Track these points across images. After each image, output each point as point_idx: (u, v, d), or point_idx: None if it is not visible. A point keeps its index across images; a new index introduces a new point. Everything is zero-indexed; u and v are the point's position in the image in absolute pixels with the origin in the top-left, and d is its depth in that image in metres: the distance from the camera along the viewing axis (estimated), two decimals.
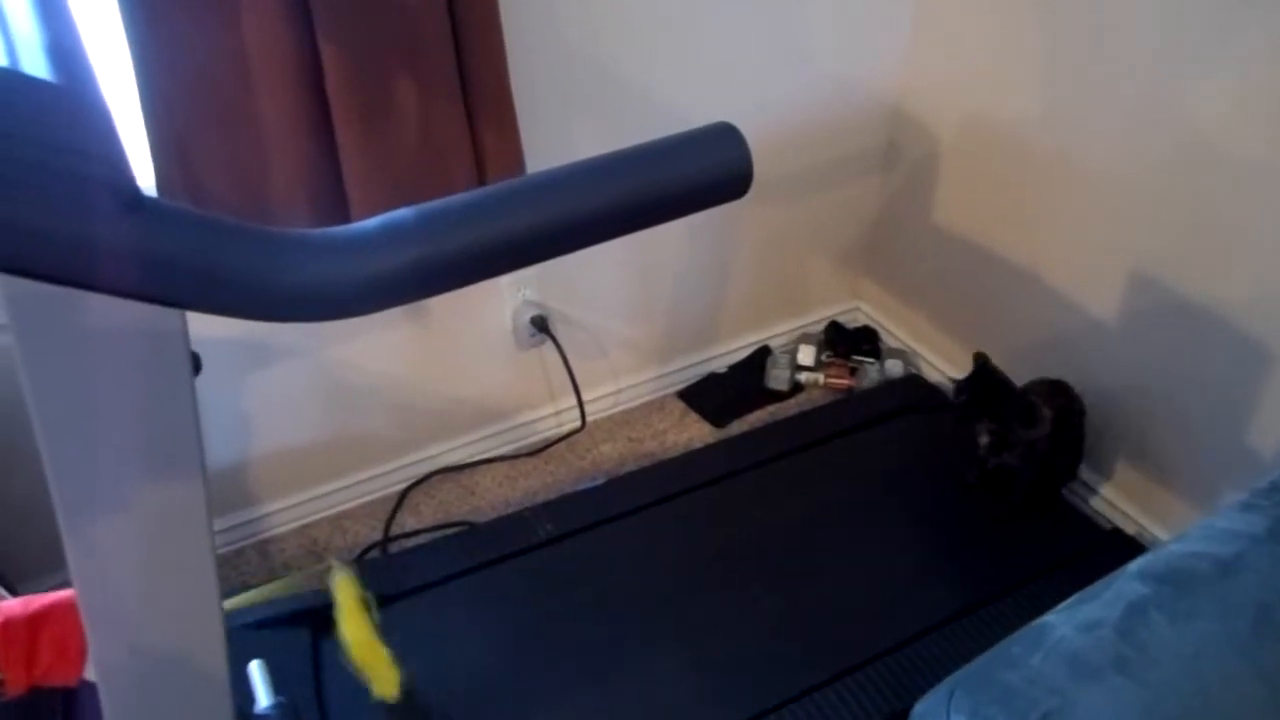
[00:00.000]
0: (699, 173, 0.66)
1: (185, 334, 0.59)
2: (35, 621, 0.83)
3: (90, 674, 0.84)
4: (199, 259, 0.51)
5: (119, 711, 0.73)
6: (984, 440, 1.61)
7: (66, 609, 0.85)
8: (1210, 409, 1.51)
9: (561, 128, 1.57)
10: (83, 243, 0.49)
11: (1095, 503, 1.75)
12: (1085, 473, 1.76)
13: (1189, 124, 1.40)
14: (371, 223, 0.56)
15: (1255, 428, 1.45)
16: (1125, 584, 0.98)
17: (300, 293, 0.52)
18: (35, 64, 0.54)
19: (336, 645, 1.42)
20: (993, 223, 1.82)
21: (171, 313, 0.57)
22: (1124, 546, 1.61)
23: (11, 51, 0.55)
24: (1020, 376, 1.83)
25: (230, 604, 1.47)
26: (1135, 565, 1.01)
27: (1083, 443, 1.64)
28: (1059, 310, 1.72)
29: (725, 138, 0.66)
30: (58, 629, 0.83)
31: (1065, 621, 0.95)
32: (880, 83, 1.89)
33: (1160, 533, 1.64)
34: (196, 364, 0.61)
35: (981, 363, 1.60)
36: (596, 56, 1.55)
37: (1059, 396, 1.61)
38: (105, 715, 0.73)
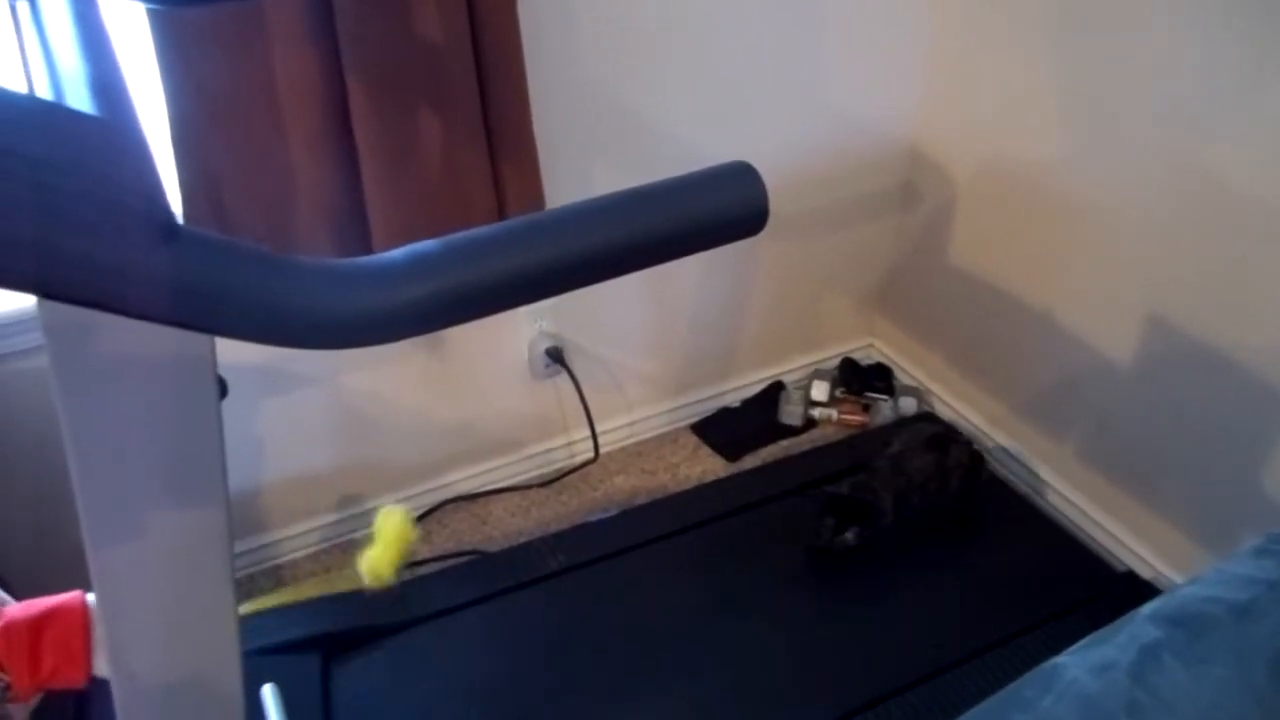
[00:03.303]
0: (716, 210, 0.67)
1: (214, 359, 0.61)
2: (37, 624, 0.83)
3: (100, 671, 0.84)
4: (232, 287, 0.52)
5: None
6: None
7: (69, 609, 0.85)
8: (1227, 452, 1.50)
9: (580, 165, 1.60)
10: (121, 270, 0.51)
11: (1110, 544, 1.73)
12: (1099, 514, 1.75)
13: (1207, 168, 1.41)
14: (398, 253, 0.57)
15: (1272, 472, 1.44)
16: (1138, 627, 0.97)
17: (330, 320, 0.54)
18: (79, 99, 0.56)
19: (347, 670, 1.42)
20: (1008, 264, 1.83)
21: (201, 338, 0.58)
22: (1139, 589, 1.60)
23: (57, 87, 0.57)
24: (1034, 417, 1.83)
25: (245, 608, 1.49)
26: (1149, 608, 1.00)
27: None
28: (1074, 351, 1.72)
29: (742, 176, 0.67)
30: (61, 630, 0.84)
31: (1077, 664, 0.94)
32: (897, 124, 1.91)
33: (1175, 576, 1.63)
34: (223, 388, 0.63)
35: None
36: (616, 96, 1.58)
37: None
38: None
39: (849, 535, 1.62)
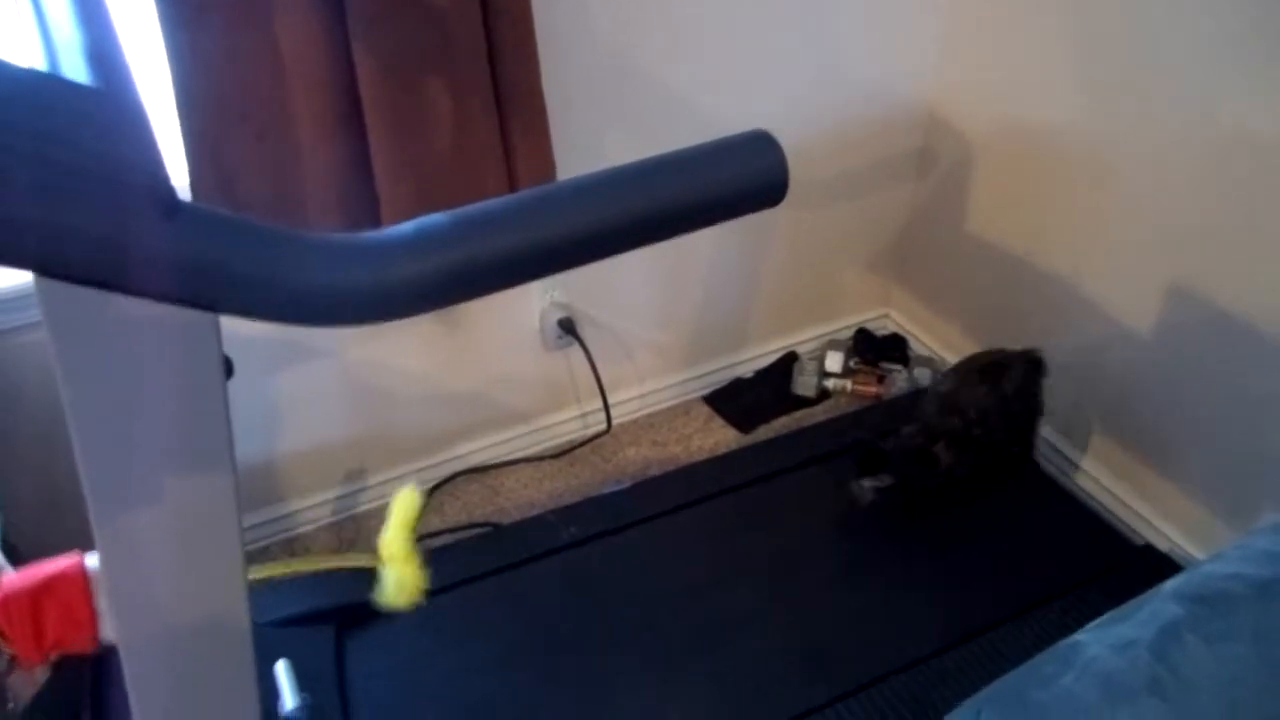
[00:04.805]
0: (734, 180, 0.65)
1: (218, 337, 0.59)
2: (38, 594, 0.83)
3: (108, 636, 0.84)
4: (235, 264, 0.51)
5: (148, 712, 0.74)
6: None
7: (69, 577, 0.85)
8: (1250, 424, 1.48)
9: (593, 134, 1.57)
10: (120, 247, 0.50)
11: (1128, 517, 1.72)
12: (1117, 486, 1.73)
13: (1229, 129, 1.38)
14: (406, 227, 0.56)
15: None
16: (1160, 604, 0.96)
17: (336, 297, 0.52)
18: (75, 69, 0.54)
19: (360, 642, 1.43)
20: (1026, 230, 1.80)
21: (205, 316, 0.57)
22: (1157, 562, 1.58)
23: (52, 56, 0.55)
24: (1051, 387, 1.80)
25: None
26: (1170, 585, 0.99)
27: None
28: (1092, 320, 1.69)
29: (761, 145, 0.65)
30: (62, 598, 0.83)
31: (1098, 640, 0.93)
32: (914, 87, 1.87)
33: (1193, 549, 1.61)
34: (229, 368, 0.61)
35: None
36: (628, 63, 1.55)
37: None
38: (134, 716, 0.74)
39: (869, 484, 1.60)
